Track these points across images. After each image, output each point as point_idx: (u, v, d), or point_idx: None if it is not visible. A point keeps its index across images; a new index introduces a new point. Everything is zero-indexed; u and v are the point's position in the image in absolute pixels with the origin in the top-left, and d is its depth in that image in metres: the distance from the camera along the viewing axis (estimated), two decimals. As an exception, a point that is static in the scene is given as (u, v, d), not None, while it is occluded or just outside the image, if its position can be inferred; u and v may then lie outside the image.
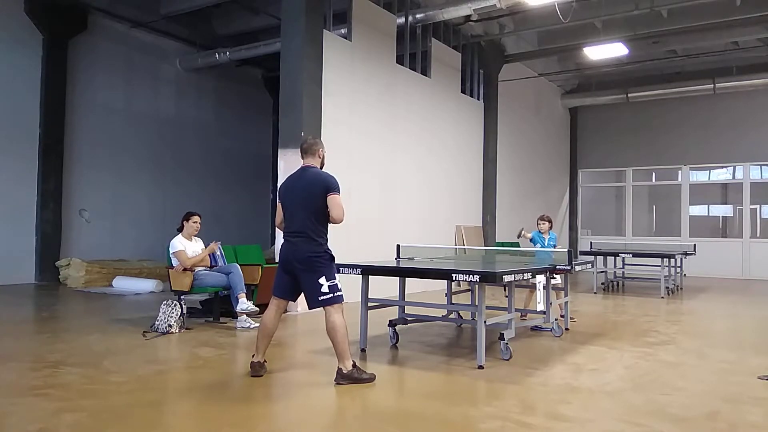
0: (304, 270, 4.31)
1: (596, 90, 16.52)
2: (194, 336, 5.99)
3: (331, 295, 4.27)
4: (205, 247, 6.93)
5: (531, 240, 7.70)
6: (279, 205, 4.54)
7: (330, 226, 4.45)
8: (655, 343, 6.04)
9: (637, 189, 17.32)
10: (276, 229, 7.47)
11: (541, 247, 7.44)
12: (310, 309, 4.48)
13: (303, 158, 4.56)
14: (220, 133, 14.06)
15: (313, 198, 4.32)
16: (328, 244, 4.42)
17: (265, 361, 4.51)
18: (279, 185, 4.62)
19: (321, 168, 4.56)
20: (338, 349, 4.28)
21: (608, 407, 3.84)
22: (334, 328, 4.26)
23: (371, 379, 4.33)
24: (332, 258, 4.38)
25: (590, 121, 17.72)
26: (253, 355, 4.51)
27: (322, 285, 4.26)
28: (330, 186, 4.33)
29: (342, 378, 4.24)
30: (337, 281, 4.34)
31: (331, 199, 4.29)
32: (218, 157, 14.01)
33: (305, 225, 4.32)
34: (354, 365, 4.30)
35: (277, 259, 4.59)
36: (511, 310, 5.53)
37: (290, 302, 4.69)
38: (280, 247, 4.55)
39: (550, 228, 7.62)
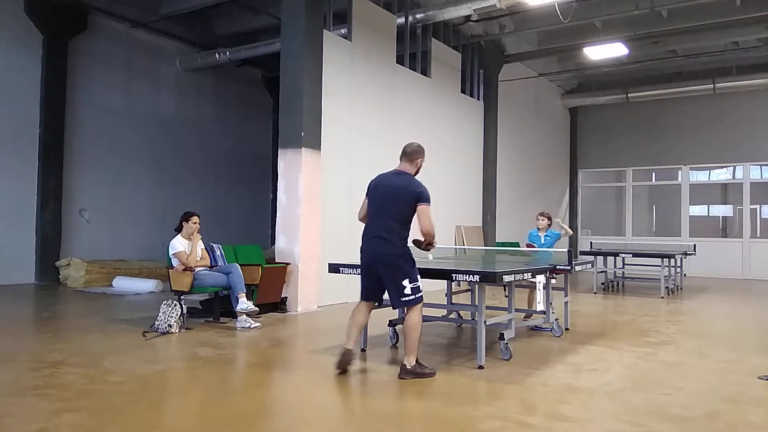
0: (388, 271, 4.47)
1: (596, 90, 16.52)
2: (194, 336, 5.98)
3: (414, 296, 4.45)
4: (206, 248, 6.93)
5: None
6: (366, 199, 4.67)
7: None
8: (655, 343, 6.04)
9: (637, 189, 17.32)
10: (277, 227, 7.47)
11: (537, 246, 7.38)
12: (394, 308, 4.69)
13: (401, 161, 4.65)
14: (220, 133, 14.06)
15: (401, 203, 4.44)
16: (407, 244, 4.54)
17: (351, 349, 4.56)
18: (370, 181, 4.73)
19: (415, 176, 4.64)
20: (409, 345, 4.46)
21: (608, 407, 3.84)
22: (412, 326, 4.46)
23: (432, 374, 4.47)
24: (413, 260, 4.51)
25: (590, 121, 17.71)
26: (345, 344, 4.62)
27: (405, 287, 4.42)
28: (421, 196, 4.40)
29: (406, 373, 4.40)
30: (419, 282, 4.49)
31: (421, 209, 4.40)
32: (218, 157, 14.01)
33: (388, 228, 4.46)
34: (417, 361, 4.46)
35: (359, 260, 4.77)
36: (511, 310, 5.53)
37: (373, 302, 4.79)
38: (360, 248, 4.65)
39: (549, 225, 7.50)
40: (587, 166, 17.84)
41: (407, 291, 4.43)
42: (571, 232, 7.41)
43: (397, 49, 10.26)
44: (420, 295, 4.49)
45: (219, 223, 12.67)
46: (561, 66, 15.66)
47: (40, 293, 9.33)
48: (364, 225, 4.67)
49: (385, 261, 4.47)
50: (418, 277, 4.53)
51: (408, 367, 4.41)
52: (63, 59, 10.79)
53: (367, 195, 4.68)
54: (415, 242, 4.56)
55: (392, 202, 4.46)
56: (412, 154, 4.62)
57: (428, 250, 4.61)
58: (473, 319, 5.89)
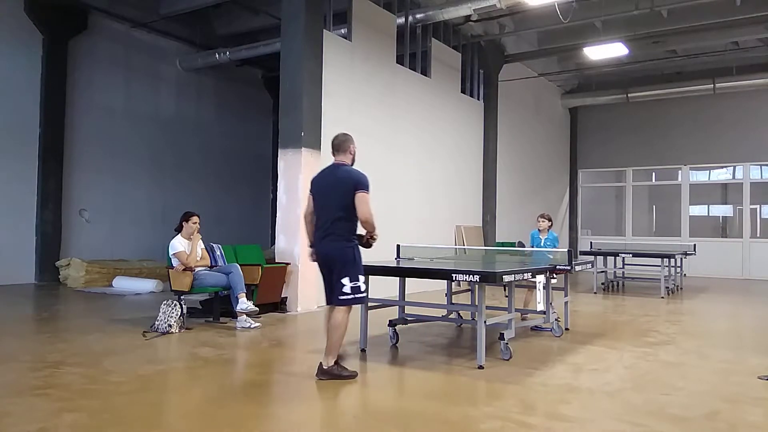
0: (333, 267, 4.35)
1: (596, 90, 16.53)
2: (194, 336, 5.98)
3: (352, 296, 4.33)
4: (206, 248, 6.93)
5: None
6: (309, 196, 4.55)
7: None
8: (655, 343, 6.04)
9: (637, 189, 17.32)
10: (277, 227, 7.42)
11: (537, 247, 7.40)
12: (327, 305, 4.51)
13: (335, 155, 4.57)
14: (220, 133, 14.06)
15: (342, 194, 4.31)
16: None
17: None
18: (311, 179, 4.66)
19: (352, 164, 4.56)
20: (330, 345, 4.35)
21: (608, 407, 3.84)
22: (337, 326, 4.33)
23: (352, 376, 4.37)
24: (356, 258, 4.37)
25: (590, 121, 17.72)
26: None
27: (344, 285, 4.30)
28: (359, 183, 4.31)
29: (322, 373, 4.32)
30: (360, 282, 4.36)
31: (360, 196, 4.28)
32: (218, 157, 14.00)
33: (333, 223, 4.35)
34: (336, 363, 4.36)
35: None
36: (511, 310, 5.53)
37: None
38: (312, 249, 4.55)
39: (550, 227, 7.51)
40: (587, 166, 17.84)
41: (346, 290, 4.29)
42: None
43: (397, 49, 10.26)
44: (359, 296, 4.35)
45: (219, 223, 12.67)
46: (561, 66, 15.66)
47: (40, 293, 9.33)
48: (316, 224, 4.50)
49: (330, 256, 4.35)
50: (361, 277, 4.37)
51: (324, 367, 4.30)
52: (63, 59, 10.79)
53: (310, 192, 4.56)
54: (357, 237, 4.44)
55: (334, 195, 4.35)
56: (343, 144, 4.53)
57: (370, 246, 4.46)
58: (473, 319, 5.89)
